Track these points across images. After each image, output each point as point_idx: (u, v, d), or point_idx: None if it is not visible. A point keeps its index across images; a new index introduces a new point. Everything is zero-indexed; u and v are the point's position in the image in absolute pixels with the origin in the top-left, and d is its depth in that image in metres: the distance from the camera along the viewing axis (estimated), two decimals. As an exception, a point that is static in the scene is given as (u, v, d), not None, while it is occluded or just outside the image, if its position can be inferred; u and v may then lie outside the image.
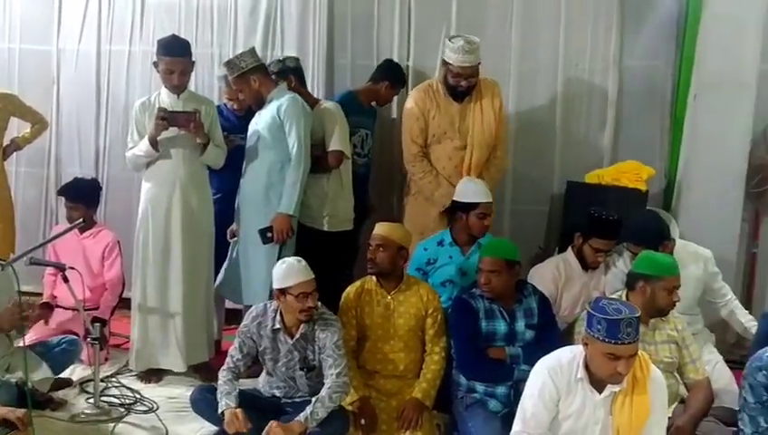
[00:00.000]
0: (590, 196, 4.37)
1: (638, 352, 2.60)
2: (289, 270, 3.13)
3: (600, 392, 2.59)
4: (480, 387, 3.24)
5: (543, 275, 3.79)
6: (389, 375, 3.41)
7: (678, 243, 3.77)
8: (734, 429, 2.93)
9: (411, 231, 3.76)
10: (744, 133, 4.41)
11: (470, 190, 3.83)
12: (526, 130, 4.85)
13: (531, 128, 4.86)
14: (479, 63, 4.09)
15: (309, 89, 4.43)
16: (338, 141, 3.99)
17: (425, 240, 3.91)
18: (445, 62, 4.09)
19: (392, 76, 4.52)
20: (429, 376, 3.34)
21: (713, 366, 3.60)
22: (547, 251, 4.81)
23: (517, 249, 3.40)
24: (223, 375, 3.21)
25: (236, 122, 4.31)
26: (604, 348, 2.46)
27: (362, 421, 3.23)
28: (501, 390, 3.20)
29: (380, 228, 3.48)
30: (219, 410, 3.07)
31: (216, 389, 3.18)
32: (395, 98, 4.69)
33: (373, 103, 4.55)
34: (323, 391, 3.08)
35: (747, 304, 4.53)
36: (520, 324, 3.29)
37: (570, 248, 3.88)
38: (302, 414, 3.02)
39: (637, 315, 2.47)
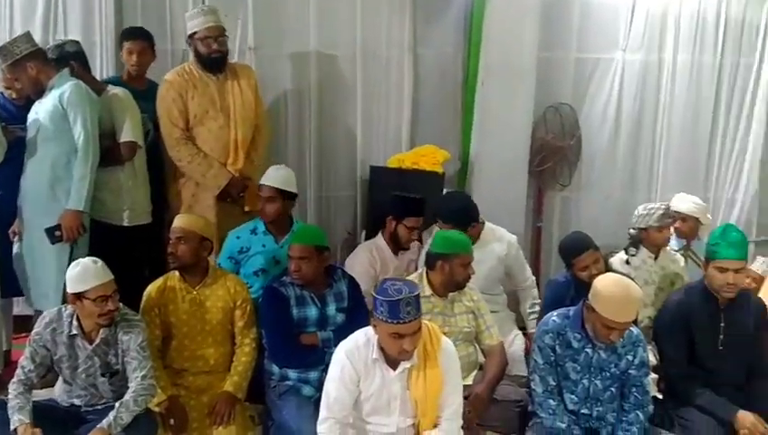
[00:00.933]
0: (393, 180, 4.53)
1: (428, 326, 2.75)
2: (84, 273, 2.92)
3: (395, 370, 2.70)
4: (293, 374, 3.25)
5: (361, 262, 3.87)
6: (199, 372, 3.31)
7: (487, 225, 4.02)
8: (528, 389, 3.20)
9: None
10: (526, 116, 4.78)
11: (270, 175, 3.77)
12: (329, 116, 4.92)
13: (333, 113, 4.93)
14: (225, 31, 4.03)
15: (98, 75, 4.15)
16: (129, 131, 3.76)
17: (238, 228, 3.82)
18: (191, 37, 3.99)
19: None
20: (240, 368, 3.29)
21: (512, 339, 3.90)
22: (356, 236, 4.93)
23: (325, 235, 3.43)
24: (13, 389, 2.94)
25: (16, 112, 3.93)
26: (388, 328, 2.56)
27: (171, 422, 3.11)
28: (314, 375, 3.23)
29: (179, 220, 3.35)
30: (12, 427, 2.82)
31: (6, 404, 2.90)
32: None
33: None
34: (127, 395, 2.93)
35: (535, 272, 4.95)
36: (331, 309, 3.33)
37: (380, 233, 4.00)
38: (104, 420, 2.85)
39: (416, 293, 2.58)
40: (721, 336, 3.25)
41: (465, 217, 3.81)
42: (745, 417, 3.07)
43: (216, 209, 4.03)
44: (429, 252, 3.42)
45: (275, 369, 3.29)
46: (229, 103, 4.04)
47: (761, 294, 3.76)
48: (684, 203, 4.46)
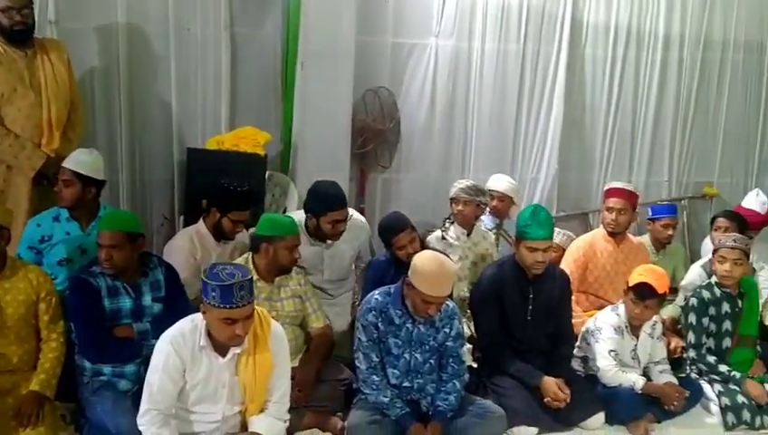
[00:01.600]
0: (212, 162, 4.38)
1: (258, 310, 2.71)
2: None
3: (224, 356, 2.64)
4: (107, 369, 3.06)
5: (181, 250, 3.65)
6: (2, 371, 3.03)
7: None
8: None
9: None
10: (346, 99, 4.82)
11: (72, 158, 3.52)
12: (141, 95, 4.68)
13: (145, 92, 4.69)
14: (31, 3, 3.78)
15: None
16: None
17: (39, 215, 3.53)
18: None
19: None
20: (47, 365, 3.04)
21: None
22: (174, 221, 4.73)
23: (139, 220, 3.25)
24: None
25: None
26: (220, 314, 2.50)
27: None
28: (130, 368, 3.07)
29: (-32, 208, 3.03)
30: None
31: None
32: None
33: None
34: None
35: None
36: (146, 299, 3.16)
37: (201, 220, 3.80)
38: None
39: (249, 278, 2.54)
40: (530, 307, 3.50)
41: (333, 202, 3.71)
42: (549, 383, 3.34)
43: (32, 194, 3.75)
44: (253, 235, 3.36)
45: (87, 364, 3.08)
46: (40, 80, 3.80)
47: (562, 264, 4.10)
48: (501, 183, 4.74)
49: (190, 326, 2.64)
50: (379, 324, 3.06)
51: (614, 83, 5.63)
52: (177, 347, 2.60)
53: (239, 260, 3.33)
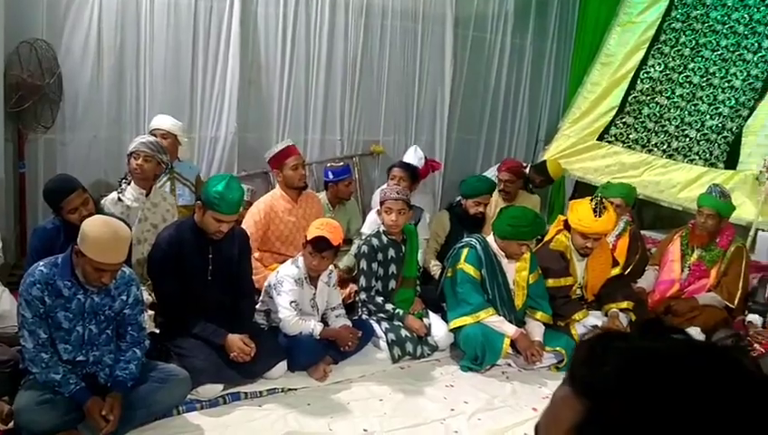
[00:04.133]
0: None
1: None
2: None
3: None
4: None
5: None
6: None
7: None
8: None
9: None
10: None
11: None
12: None
13: None
14: None
15: None
16: None
17: None
18: None
19: None
20: None
21: None
22: None
23: None
24: None
25: None
26: None
27: None
28: None
29: None
30: None
31: None
32: None
33: None
34: None
35: (20, 221, 4.56)
36: None
37: None
38: None
39: None
40: (210, 267, 3.50)
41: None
42: (233, 340, 3.40)
43: None
44: None
45: None
46: None
47: (243, 225, 4.17)
48: (165, 121, 4.70)
49: None
50: (46, 298, 2.82)
51: (287, 43, 5.75)
52: None
53: None
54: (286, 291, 3.71)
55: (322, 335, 3.73)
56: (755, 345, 4.25)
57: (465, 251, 4.13)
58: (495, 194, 5.32)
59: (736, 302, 4.66)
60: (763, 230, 5.28)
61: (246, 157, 5.70)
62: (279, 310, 3.70)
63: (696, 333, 4.52)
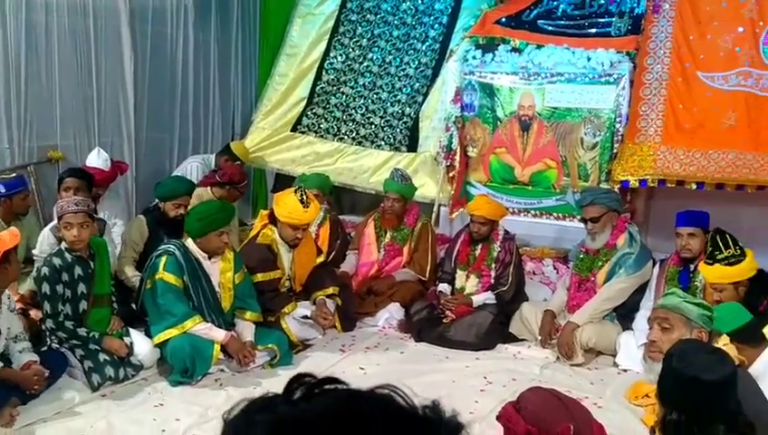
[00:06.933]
0: None
1: None
2: None
3: None
4: None
5: None
6: None
7: None
8: None
9: None
10: None
11: None
12: None
13: None
14: None
15: None
16: None
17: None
18: None
19: None
20: None
21: None
22: None
23: None
24: None
25: None
26: None
27: None
28: None
29: None
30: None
31: None
32: None
33: None
34: None
35: None
36: None
37: None
38: None
39: None
40: None
41: None
42: None
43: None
44: None
45: None
46: None
47: None
48: None
49: None
50: None
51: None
52: None
53: None
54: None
55: (1, 377, 3.25)
56: (447, 312, 4.63)
57: (163, 259, 3.91)
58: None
59: (428, 274, 5.06)
60: (444, 206, 5.78)
61: None
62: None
63: (396, 308, 4.83)
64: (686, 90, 4.86)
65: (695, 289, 4.05)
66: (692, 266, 4.14)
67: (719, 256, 3.48)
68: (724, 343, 2.67)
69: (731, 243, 3.52)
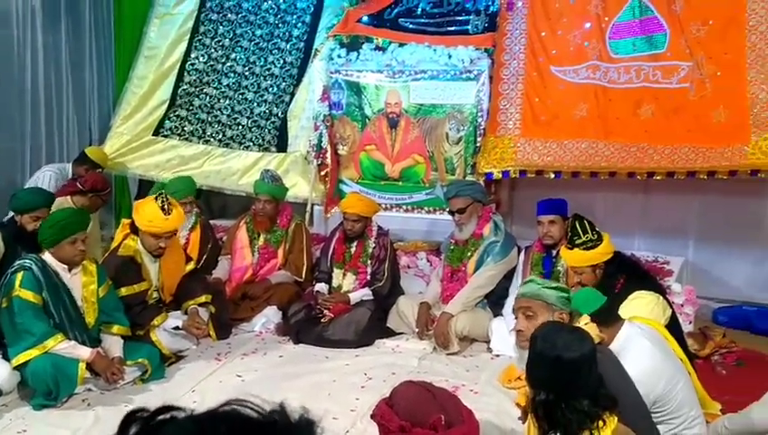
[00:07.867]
0: None
1: None
2: None
3: None
4: None
5: None
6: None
7: None
8: None
9: None
10: None
11: None
12: None
13: None
14: None
15: None
16: None
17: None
18: None
19: None
20: None
21: None
22: None
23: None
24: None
25: None
26: None
27: None
28: None
29: None
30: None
31: None
32: None
33: None
34: None
35: None
36: None
37: None
38: None
39: None
40: None
41: None
42: None
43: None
44: None
45: None
46: None
47: None
48: None
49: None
50: None
51: None
52: None
53: None
54: None
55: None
56: (325, 311, 4.61)
57: (19, 275, 3.65)
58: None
59: (304, 274, 5.02)
60: (317, 205, 5.76)
61: None
62: None
63: (273, 311, 4.76)
64: (541, 84, 5.11)
65: (557, 273, 4.26)
66: (554, 252, 4.34)
67: (578, 241, 3.66)
68: (585, 322, 2.81)
69: (588, 228, 3.70)
